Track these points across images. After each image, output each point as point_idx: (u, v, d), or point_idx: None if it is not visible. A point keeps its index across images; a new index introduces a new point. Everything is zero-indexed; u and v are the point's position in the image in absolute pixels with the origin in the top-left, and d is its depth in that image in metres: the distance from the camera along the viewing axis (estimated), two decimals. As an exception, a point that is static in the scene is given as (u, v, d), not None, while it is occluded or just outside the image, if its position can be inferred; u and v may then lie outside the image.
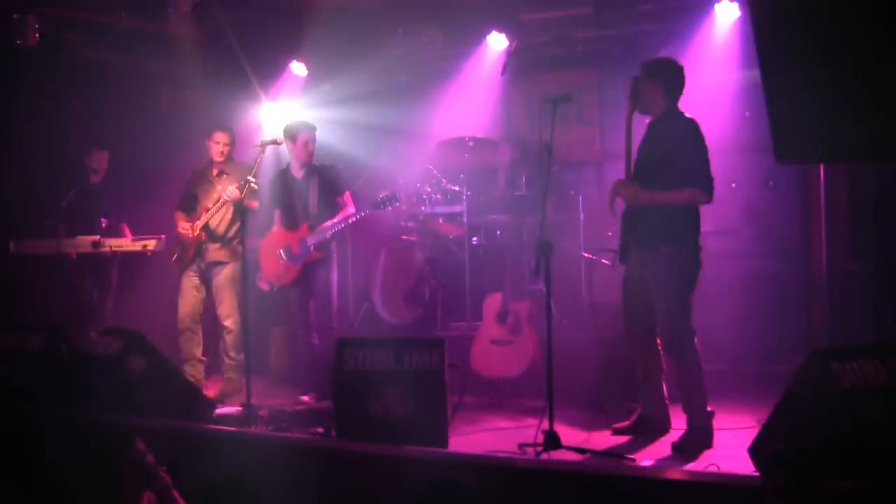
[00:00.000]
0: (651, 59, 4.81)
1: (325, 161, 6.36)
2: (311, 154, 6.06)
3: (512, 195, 7.03)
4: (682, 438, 4.62)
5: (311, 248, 5.91)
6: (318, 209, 6.01)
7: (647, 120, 4.84)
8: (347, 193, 6.14)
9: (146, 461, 3.30)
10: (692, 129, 4.60)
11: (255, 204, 6.08)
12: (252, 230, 6.10)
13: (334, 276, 6.06)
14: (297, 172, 6.09)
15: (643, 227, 4.66)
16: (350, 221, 6.01)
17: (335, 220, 5.95)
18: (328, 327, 5.98)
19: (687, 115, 4.70)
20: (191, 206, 6.33)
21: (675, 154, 4.57)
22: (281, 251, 6.00)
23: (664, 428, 4.82)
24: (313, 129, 6.09)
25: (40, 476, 4.60)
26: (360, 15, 7.34)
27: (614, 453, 4.40)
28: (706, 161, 4.55)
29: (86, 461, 3.35)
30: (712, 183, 4.55)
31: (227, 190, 6.05)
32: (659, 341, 4.80)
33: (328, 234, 5.92)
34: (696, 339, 4.63)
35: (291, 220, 6.08)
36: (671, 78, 4.71)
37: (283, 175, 6.15)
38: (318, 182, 6.04)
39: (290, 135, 6.03)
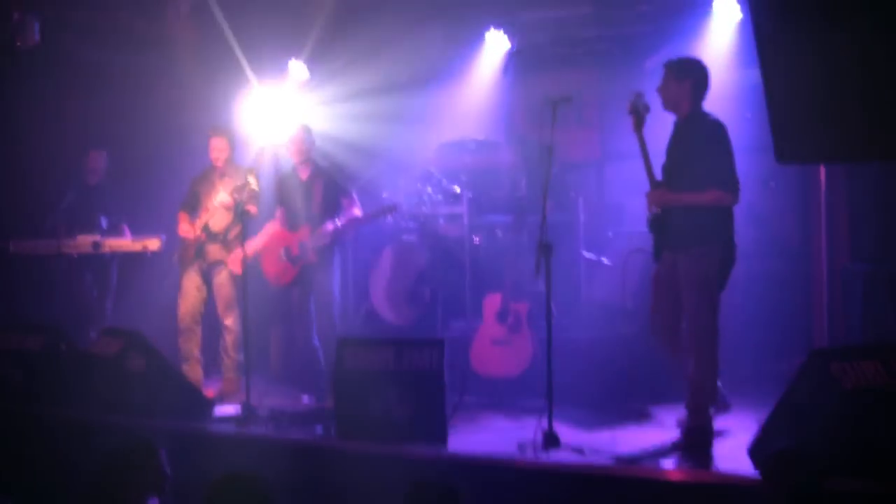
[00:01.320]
0: (678, 59, 4.79)
1: (327, 162, 6.32)
2: (301, 153, 5.98)
3: (512, 196, 7.03)
4: (682, 438, 4.64)
5: (310, 251, 5.85)
6: (320, 210, 5.93)
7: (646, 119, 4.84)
8: (353, 195, 6.06)
9: (163, 471, 3.32)
10: (718, 130, 4.60)
11: (254, 209, 5.98)
12: (252, 231, 6.07)
13: (336, 279, 5.96)
14: (302, 173, 6.06)
15: (672, 229, 4.67)
16: (355, 225, 5.97)
17: (337, 224, 5.87)
18: (330, 329, 5.90)
19: (712, 115, 4.71)
20: (194, 205, 6.33)
21: (700, 155, 4.59)
22: (282, 251, 5.97)
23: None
24: (303, 128, 6.04)
25: (47, 477, 4.61)
26: (359, 15, 7.34)
27: (614, 453, 4.40)
28: (731, 162, 4.56)
29: (100, 464, 3.37)
30: (738, 184, 4.56)
31: (219, 197, 6.04)
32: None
33: (327, 239, 5.82)
34: (716, 342, 4.60)
35: (293, 220, 6.04)
36: (700, 79, 4.72)
37: (289, 175, 6.12)
38: (322, 184, 6.00)
39: (284, 135, 6.04)
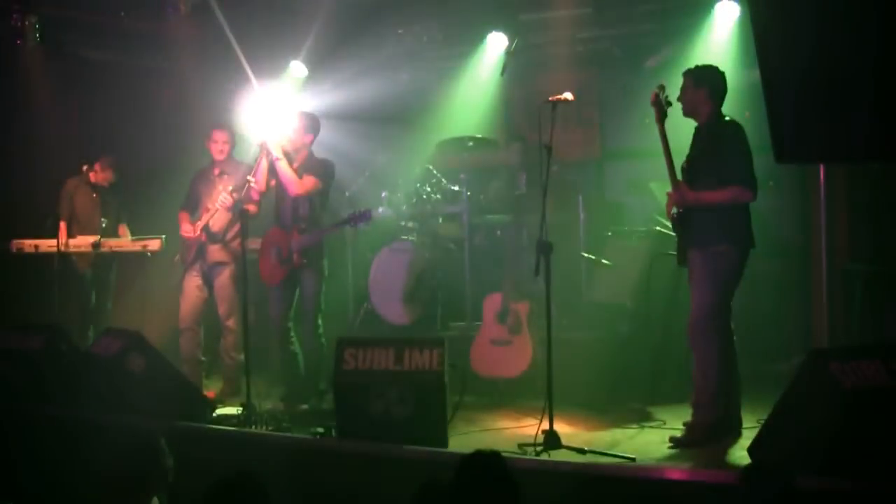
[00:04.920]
0: (696, 67, 4.88)
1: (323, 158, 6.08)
2: (295, 142, 5.77)
3: (512, 195, 7.03)
4: (684, 433, 4.66)
5: (295, 254, 5.63)
6: (310, 210, 5.77)
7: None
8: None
9: (167, 464, 3.33)
10: (736, 132, 4.70)
11: (253, 208, 5.89)
12: (253, 230, 6.04)
13: (321, 284, 5.77)
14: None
15: (695, 227, 4.73)
16: (329, 231, 5.85)
17: (321, 229, 5.75)
18: (313, 334, 5.76)
19: (730, 118, 4.79)
20: (194, 205, 6.32)
21: (719, 155, 4.67)
22: (274, 251, 5.79)
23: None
24: (300, 115, 5.88)
25: (48, 477, 4.61)
26: (360, 15, 7.34)
27: (614, 453, 4.40)
28: (749, 161, 4.64)
29: (106, 463, 3.38)
30: (755, 182, 4.62)
31: (220, 198, 6.02)
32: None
33: (313, 240, 5.68)
34: (718, 341, 4.63)
35: (283, 218, 5.84)
36: (717, 85, 4.80)
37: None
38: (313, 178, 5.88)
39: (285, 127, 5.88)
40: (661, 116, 4.81)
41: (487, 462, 3.08)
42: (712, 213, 4.65)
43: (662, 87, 4.86)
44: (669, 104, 4.84)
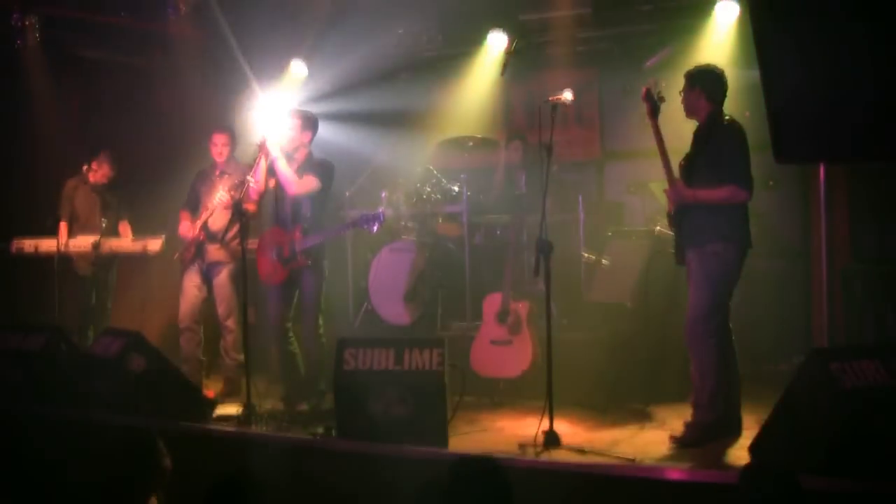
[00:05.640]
0: (693, 67, 4.86)
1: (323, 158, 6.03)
2: (293, 141, 5.73)
3: (512, 195, 7.03)
4: (683, 433, 4.66)
5: (300, 255, 5.61)
6: (311, 210, 5.74)
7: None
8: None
9: (164, 464, 3.34)
10: (734, 131, 4.69)
11: (252, 207, 5.88)
12: (252, 230, 6.03)
13: (322, 285, 5.75)
14: (291, 165, 5.77)
15: (691, 226, 4.73)
16: (341, 231, 5.81)
17: (330, 229, 5.72)
18: (315, 335, 5.74)
19: (729, 118, 4.78)
20: (194, 205, 6.33)
21: (717, 155, 4.66)
22: (274, 251, 5.75)
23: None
24: (294, 113, 5.84)
25: (48, 478, 4.61)
26: (360, 15, 7.35)
27: (614, 453, 4.40)
28: (746, 161, 4.63)
29: (104, 463, 3.38)
30: (751, 182, 4.62)
31: (217, 196, 6.03)
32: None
33: (319, 240, 5.66)
34: (715, 341, 4.63)
35: (283, 218, 5.80)
36: (710, 84, 4.77)
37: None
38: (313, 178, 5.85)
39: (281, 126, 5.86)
40: (653, 111, 4.81)
41: (479, 467, 3.07)
42: (708, 213, 4.64)
43: (655, 82, 4.85)
44: (662, 100, 4.83)
